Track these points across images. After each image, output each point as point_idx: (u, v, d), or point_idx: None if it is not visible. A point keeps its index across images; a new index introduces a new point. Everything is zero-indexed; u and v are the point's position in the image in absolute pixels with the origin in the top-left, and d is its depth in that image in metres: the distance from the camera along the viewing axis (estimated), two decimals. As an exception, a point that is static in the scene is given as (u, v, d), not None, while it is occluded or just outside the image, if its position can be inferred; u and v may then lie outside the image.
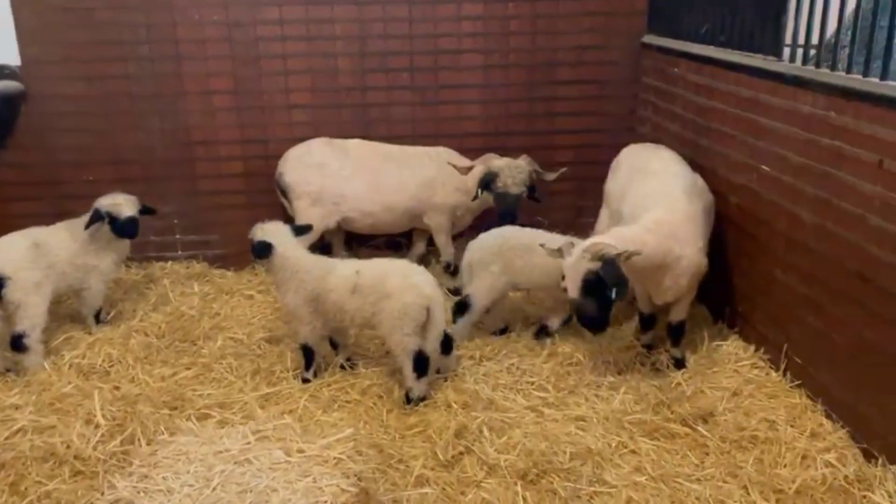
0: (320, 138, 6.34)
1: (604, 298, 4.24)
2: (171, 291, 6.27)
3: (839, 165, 4.08)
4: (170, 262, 6.87)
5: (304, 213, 6.11)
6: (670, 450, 4.18)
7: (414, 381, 4.64)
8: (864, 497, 3.70)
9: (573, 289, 4.26)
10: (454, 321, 5.33)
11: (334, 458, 3.17)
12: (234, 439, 3.27)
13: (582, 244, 4.34)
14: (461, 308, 5.35)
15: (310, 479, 3.03)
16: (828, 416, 4.29)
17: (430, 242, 6.66)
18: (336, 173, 6.12)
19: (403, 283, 4.63)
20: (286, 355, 5.24)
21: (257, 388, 4.85)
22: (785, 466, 3.97)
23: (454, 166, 6.04)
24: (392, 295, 4.60)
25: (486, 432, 4.31)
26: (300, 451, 3.21)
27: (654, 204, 4.71)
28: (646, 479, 3.93)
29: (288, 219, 6.50)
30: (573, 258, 4.30)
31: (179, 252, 6.95)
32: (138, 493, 2.94)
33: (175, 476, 3.03)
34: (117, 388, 4.83)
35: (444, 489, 3.93)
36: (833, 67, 4.21)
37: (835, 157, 4.11)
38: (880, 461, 3.84)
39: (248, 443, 3.25)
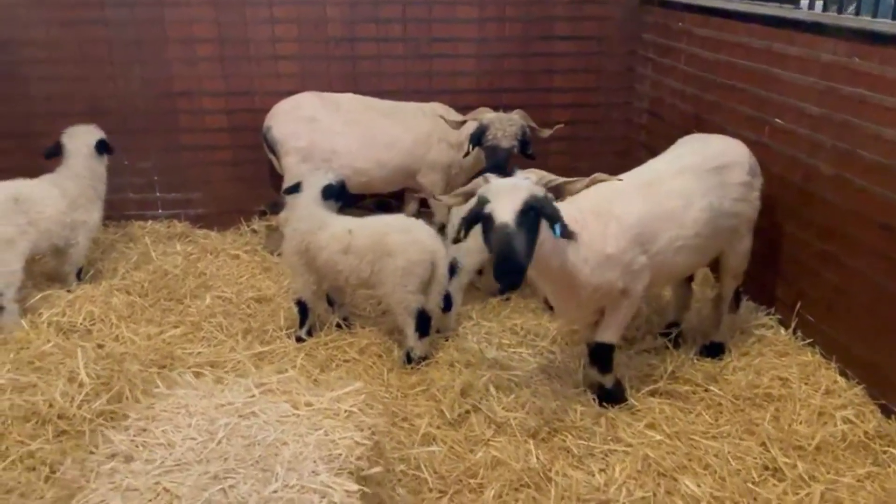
0: (310, 92, 6.05)
1: (532, 240, 3.21)
2: (154, 250, 5.97)
3: (861, 113, 3.94)
4: (150, 222, 6.57)
5: (294, 169, 5.83)
6: (683, 408, 4.05)
7: (416, 341, 4.46)
8: (885, 452, 3.61)
9: (506, 210, 3.12)
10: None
11: (345, 412, 2.96)
12: (236, 392, 3.05)
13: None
14: (449, 271, 5.04)
15: (321, 432, 2.82)
16: (842, 374, 4.20)
17: (423, 203, 6.44)
18: (327, 128, 5.85)
19: (405, 238, 4.42)
20: (279, 314, 5.02)
21: (250, 347, 4.63)
22: (801, 423, 3.87)
23: (445, 120, 5.81)
24: (394, 252, 4.39)
25: (492, 390, 4.15)
26: (308, 404, 3.00)
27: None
28: (661, 437, 3.79)
29: (277, 177, 6.27)
30: (515, 177, 3.34)
31: (160, 211, 6.64)
32: (136, 446, 2.71)
33: (175, 429, 2.80)
34: (101, 346, 4.57)
35: (451, 447, 3.77)
36: (858, 12, 4.05)
37: (856, 105, 3.97)
38: (901, 416, 3.75)
39: (252, 396, 3.03)
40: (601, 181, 3.39)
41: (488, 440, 3.82)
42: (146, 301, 5.18)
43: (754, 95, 4.89)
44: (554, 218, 3.22)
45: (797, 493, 3.42)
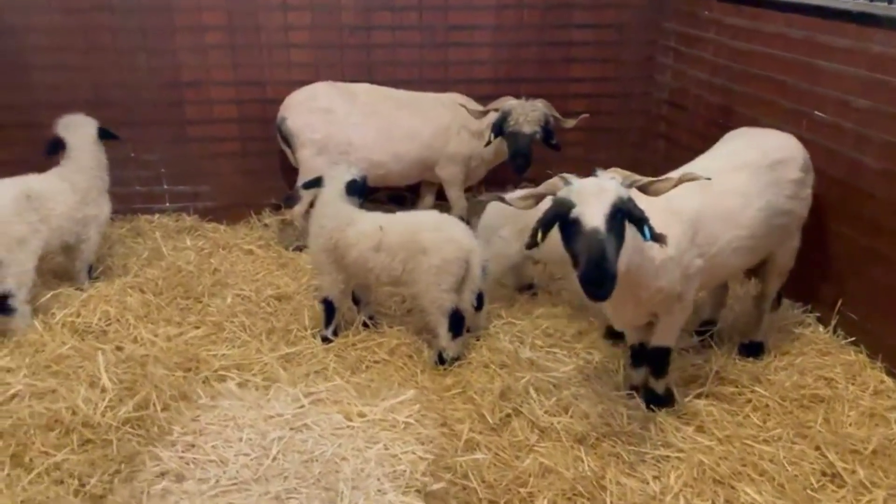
0: (326, 81, 5.85)
1: (620, 245, 3.00)
2: (164, 246, 5.76)
3: (915, 107, 3.83)
4: (157, 215, 6.34)
5: (309, 162, 5.65)
6: (729, 410, 3.93)
7: (449, 341, 4.31)
8: (944, 456, 3.52)
9: (595, 214, 2.89)
10: None
11: (402, 423, 2.81)
12: (284, 402, 2.89)
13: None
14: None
15: (380, 445, 2.68)
16: (889, 374, 4.11)
17: (439, 196, 6.28)
18: (344, 120, 5.66)
19: (439, 236, 4.26)
20: (301, 313, 4.84)
21: (276, 349, 4.44)
22: (852, 425, 3.77)
23: (467, 109, 5.65)
24: (429, 250, 4.23)
25: (532, 393, 4.01)
26: (361, 414, 2.85)
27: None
28: (713, 442, 3.68)
29: (288, 169, 6.08)
30: (599, 177, 3.07)
31: (167, 204, 6.42)
32: (187, 464, 2.55)
33: (226, 444, 2.64)
34: (120, 348, 4.38)
35: (497, 454, 3.62)
36: (911, 2, 3.94)
37: (910, 99, 3.86)
38: (956, 419, 3.66)
39: (302, 406, 2.88)
40: (690, 180, 3.20)
41: (533, 446, 3.68)
42: (162, 300, 4.97)
43: (793, 87, 4.76)
44: (643, 220, 3.02)
45: (859, 500, 3.33)
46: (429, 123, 5.78)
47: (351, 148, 5.67)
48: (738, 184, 3.77)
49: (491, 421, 3.82)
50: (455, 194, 6.04)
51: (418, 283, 4.30)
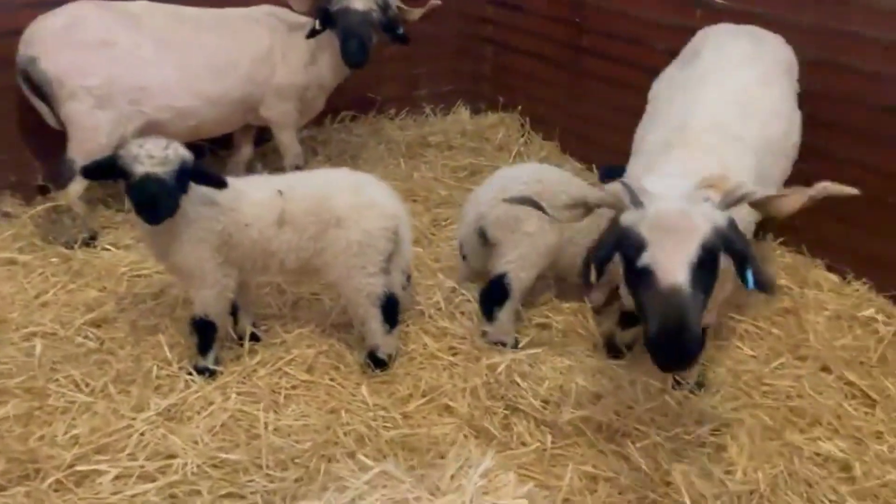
0: (87, 0, 4.10)
1: (707, 297, 2.29)
2: None
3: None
4: None
5: (86, 120, 3.99)
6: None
7: (384, 336, 3.28)
8: None
9: (677, 263, 2.17)
10: (489, 316, 3.45)
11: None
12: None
13: (684, 182, 2.40)
14: (494, 293, 3.44)
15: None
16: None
17: (260, 139, 4.95)
18: (130, 55, 4.03)
19: (357, 201, 3.15)
20: (152, 338, 3.40)
21: (143, 406, 3.03)
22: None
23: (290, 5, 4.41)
24: (344, 221, 3.11)
25: (519, 380, 3.18)
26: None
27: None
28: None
29: (40, 131, 4.28)
30: (686, 198, 2.29)
31: None
32: None
33: None
34: None
35: (526, 476, 2.77)
36: None
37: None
38: None
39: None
40: (838, 194, 2.26)
41: (558, 452, 2.91)
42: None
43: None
44: (746, 260, 2.25)
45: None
46: (245, 49, 4.37)
47: (144, 94, 4.10)
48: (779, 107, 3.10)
49: (498, 434, 2.94)
50: (287, 138, 4.74)
51: (335, 267, 3.18)
